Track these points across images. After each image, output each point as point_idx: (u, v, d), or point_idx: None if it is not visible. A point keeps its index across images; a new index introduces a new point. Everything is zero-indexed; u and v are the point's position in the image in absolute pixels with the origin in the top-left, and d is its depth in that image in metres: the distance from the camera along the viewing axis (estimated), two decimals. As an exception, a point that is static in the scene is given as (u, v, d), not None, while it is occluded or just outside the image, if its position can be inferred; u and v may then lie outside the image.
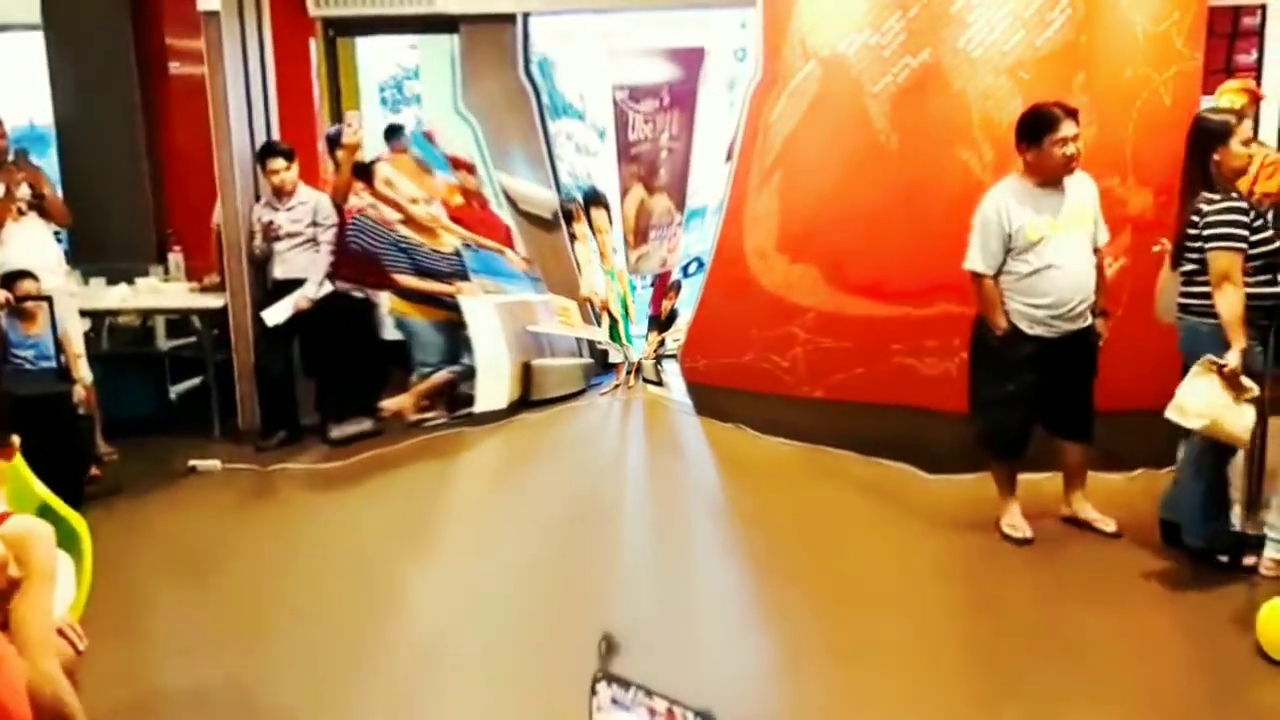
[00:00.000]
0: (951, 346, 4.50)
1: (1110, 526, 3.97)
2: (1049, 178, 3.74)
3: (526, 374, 5.34)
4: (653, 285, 6.41)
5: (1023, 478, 4.06)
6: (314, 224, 5.16)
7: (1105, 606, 3.45)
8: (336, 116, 6.01)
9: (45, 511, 2.62)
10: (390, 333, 5.39)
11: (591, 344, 6.02)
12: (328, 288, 5.12)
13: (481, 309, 5.13)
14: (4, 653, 1.33)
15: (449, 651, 3.26)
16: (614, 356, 5.96)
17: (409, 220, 5.28)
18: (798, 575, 3.79)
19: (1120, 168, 4.44)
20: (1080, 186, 3.81)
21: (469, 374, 5.19)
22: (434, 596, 3.69)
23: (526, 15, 6.14)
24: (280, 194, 5.21)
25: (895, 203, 4.62)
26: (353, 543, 4.15)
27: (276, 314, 5.07)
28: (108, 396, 5.09)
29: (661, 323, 6.38)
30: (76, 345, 4.87)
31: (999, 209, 3.74)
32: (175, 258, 5.88)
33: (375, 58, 6.29)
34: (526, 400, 5.30)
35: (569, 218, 5.94)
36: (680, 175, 5.99)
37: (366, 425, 5.14)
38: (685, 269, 6.32)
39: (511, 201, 5.90)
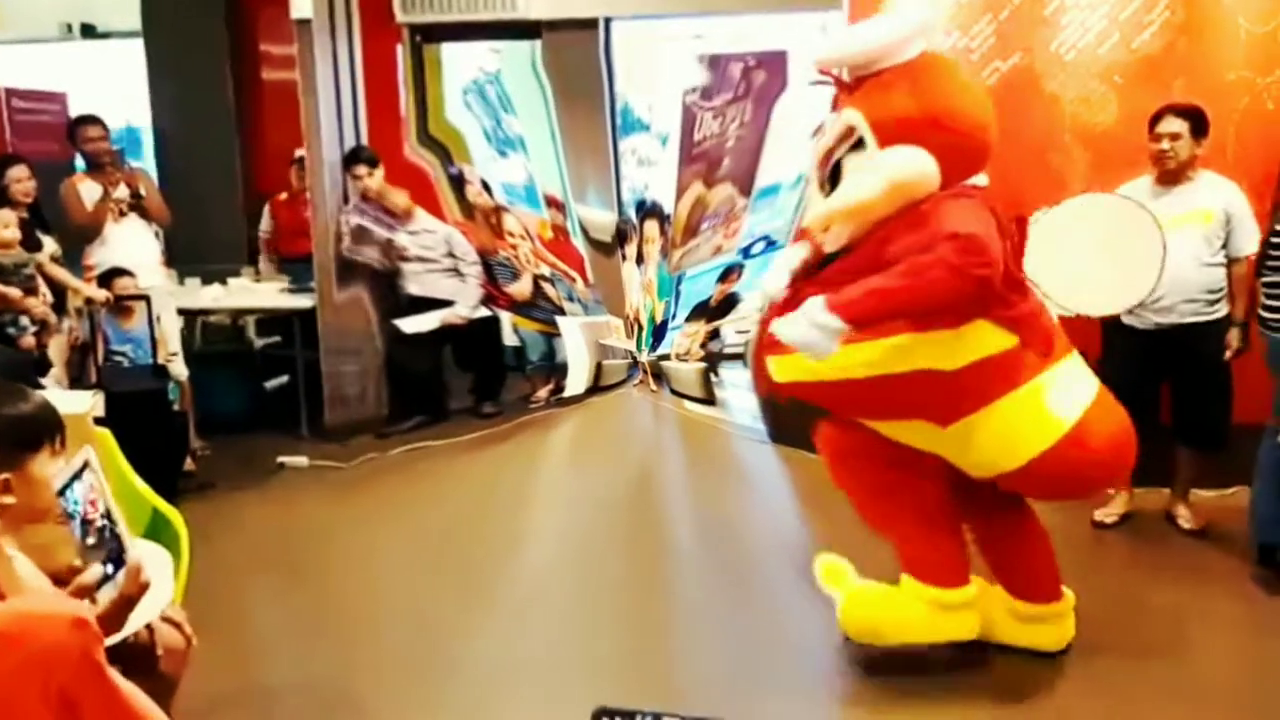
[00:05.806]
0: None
1: (1190, 524, 4.01)
2: (1158, 175, 3.85)
3: (597, 369, 6.44)
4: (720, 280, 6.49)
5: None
6: (451, 256, 5.72)
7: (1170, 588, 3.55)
8: (422, 125, 6.18)
9: (150, 513, 2.69)
10: (510, 339, 6.48)
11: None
12: (482, 311, 5.87)
13: (569, 325, 6.37)
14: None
15: (534, 646, 3.30)
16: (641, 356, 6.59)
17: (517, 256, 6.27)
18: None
19: (1220, 173, 4.31)
20: (1214, 191, 3.85)
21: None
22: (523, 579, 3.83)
23: (609, 20, 6.16)
24: (365, 198, 5.57)
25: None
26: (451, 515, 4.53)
27: (417, 324, 5.61)
28: (202, 393, 5.26)
29: (712, 310, 6.32)
30: (173, 343, 5.02)
31: None
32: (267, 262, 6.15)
33: (459, 64, 6.44)
34: (596, 387, 6.37)
35: (623, 239, 6.43)
36: (749, 161, 6.02)
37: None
38: (747, 250, 6.30)
39: (584, 230, 6.45)
